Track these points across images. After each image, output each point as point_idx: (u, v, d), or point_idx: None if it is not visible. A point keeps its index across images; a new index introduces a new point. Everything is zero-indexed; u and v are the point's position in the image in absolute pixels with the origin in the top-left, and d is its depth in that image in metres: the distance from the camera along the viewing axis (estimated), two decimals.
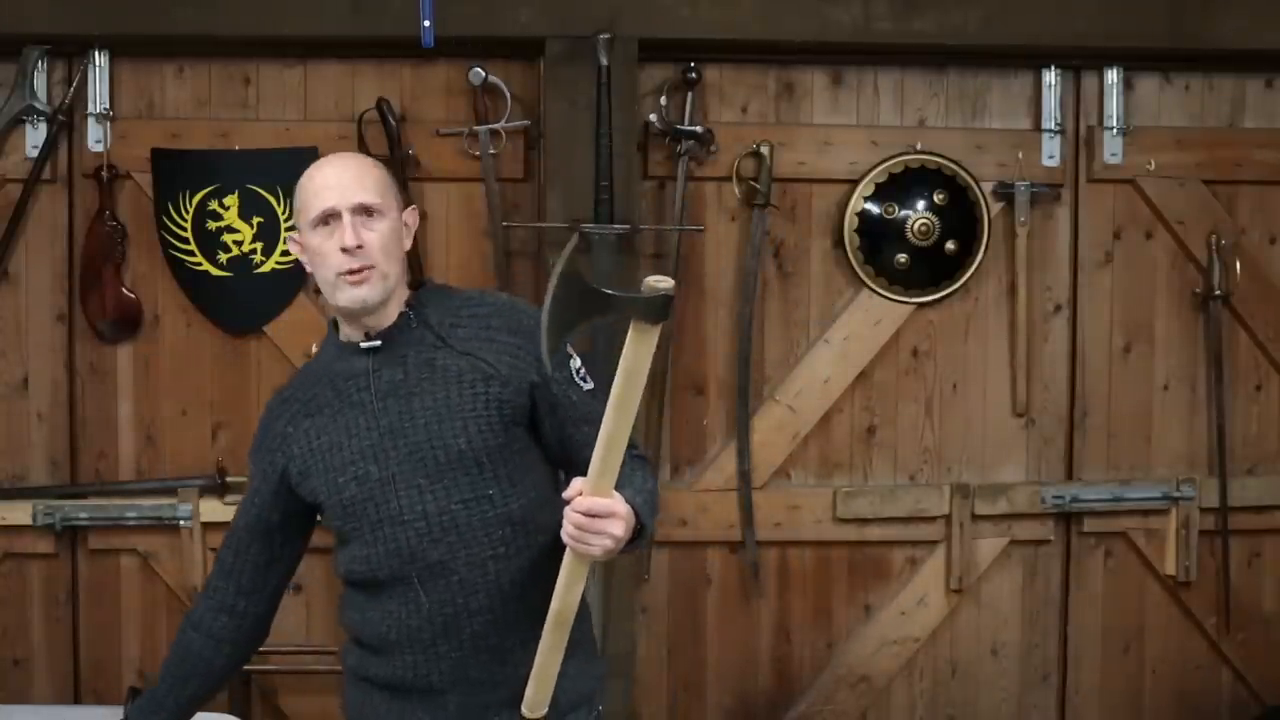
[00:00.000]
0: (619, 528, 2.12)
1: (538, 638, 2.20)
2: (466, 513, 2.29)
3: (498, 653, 2.31)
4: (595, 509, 2.10)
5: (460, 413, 2.29)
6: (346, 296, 2.31)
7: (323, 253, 2.32)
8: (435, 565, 2.29)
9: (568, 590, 2.17)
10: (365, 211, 2.31)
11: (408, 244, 2.39)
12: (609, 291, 2.02)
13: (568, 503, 2.11)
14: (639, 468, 2.33)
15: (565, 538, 2.12)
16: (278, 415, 2.43)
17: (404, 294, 2.38)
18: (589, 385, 2.33)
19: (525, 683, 2.24)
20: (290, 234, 2.44)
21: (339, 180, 2.34)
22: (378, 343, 2.34)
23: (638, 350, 2.00)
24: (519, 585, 2.30)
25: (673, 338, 3.99)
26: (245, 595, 2.48)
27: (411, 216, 2.42)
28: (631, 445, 2.35)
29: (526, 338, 2.32)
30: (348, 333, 2.38)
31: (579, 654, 2.36)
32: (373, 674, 2.39)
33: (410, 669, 2.33)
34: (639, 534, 2.20)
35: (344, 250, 2.29)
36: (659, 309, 1.98)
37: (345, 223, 2.30)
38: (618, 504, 2.13)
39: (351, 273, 2.30)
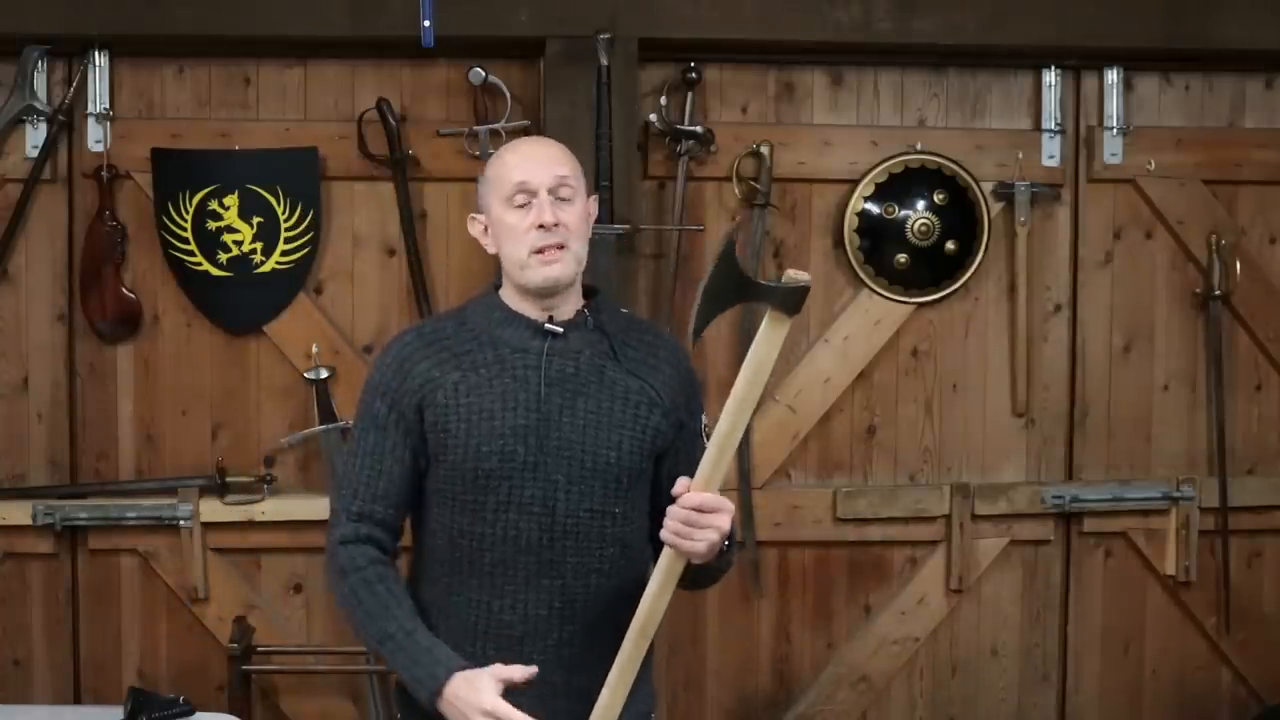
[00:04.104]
0: (726, 522, 2.16)
1: (615, 655, 2.22)
2: (590, 522, 2.29)
3: (577, 663, 2.31)
4: (706, 504, 2.14)
5: (619, 428, 2.30)
6: (539, 275, 2.30)
7: (516, 230, 2.31)
8: (546, 564, 2.29)
9: (657, 597, 2.19)
10: (561, 190, 2.31)
11: (588, 233, 2.39)
12: (756, 280, 2.18)
13: (674, 500, 2.14)
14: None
15: (667, 536, 2.15)
16: (421, 356, 2.35)
17: (580, 292, 2.39)
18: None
19: (596, 694, 2.24)
20: (474, 215, 2.42)
21: (538, 157, 2.35)
22: (560, 329, 2.33)
23: (769, 341, 2.11)
24: (612, 604, 2.30)
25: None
26: (398, 540, 2.39)
27: (593, 206, 2.42)
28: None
29: (684, 377, 2.39)
30: (524, 307, 2.35)
31: (647, 676, 2.38)
32: None
33: (488, 662, 2.28)
34: (724, 551, 2.24)
35: (540, 227, 2.29)
36: (797, 299, 2.12)
37: (542, 200, 2.30)
38: (725, 500, 2.17)
39: (545, 250, 2.29)
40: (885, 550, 4.14)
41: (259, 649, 3.81)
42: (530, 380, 2.30)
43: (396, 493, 2.36)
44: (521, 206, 2.31)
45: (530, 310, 2.34)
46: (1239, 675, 4.24)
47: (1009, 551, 4.15)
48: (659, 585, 2.19)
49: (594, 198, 2.44)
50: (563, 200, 2.32)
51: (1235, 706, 4.25)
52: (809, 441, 4.10)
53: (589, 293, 2.43)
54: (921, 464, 4.14)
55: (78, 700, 3.94)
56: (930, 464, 4.14)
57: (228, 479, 3.88)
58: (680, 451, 2.38)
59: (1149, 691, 4.23)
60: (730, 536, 2.24)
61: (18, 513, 3.82)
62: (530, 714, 2.22)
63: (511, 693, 2.27)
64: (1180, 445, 4.20)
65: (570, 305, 2.36)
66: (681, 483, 2.17)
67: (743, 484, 4.02)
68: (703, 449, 2.25)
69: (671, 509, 2.15)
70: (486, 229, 2.39)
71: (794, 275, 2.12)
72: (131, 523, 3.86)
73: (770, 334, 2.11)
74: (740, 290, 2.16)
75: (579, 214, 2.34)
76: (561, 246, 2.30)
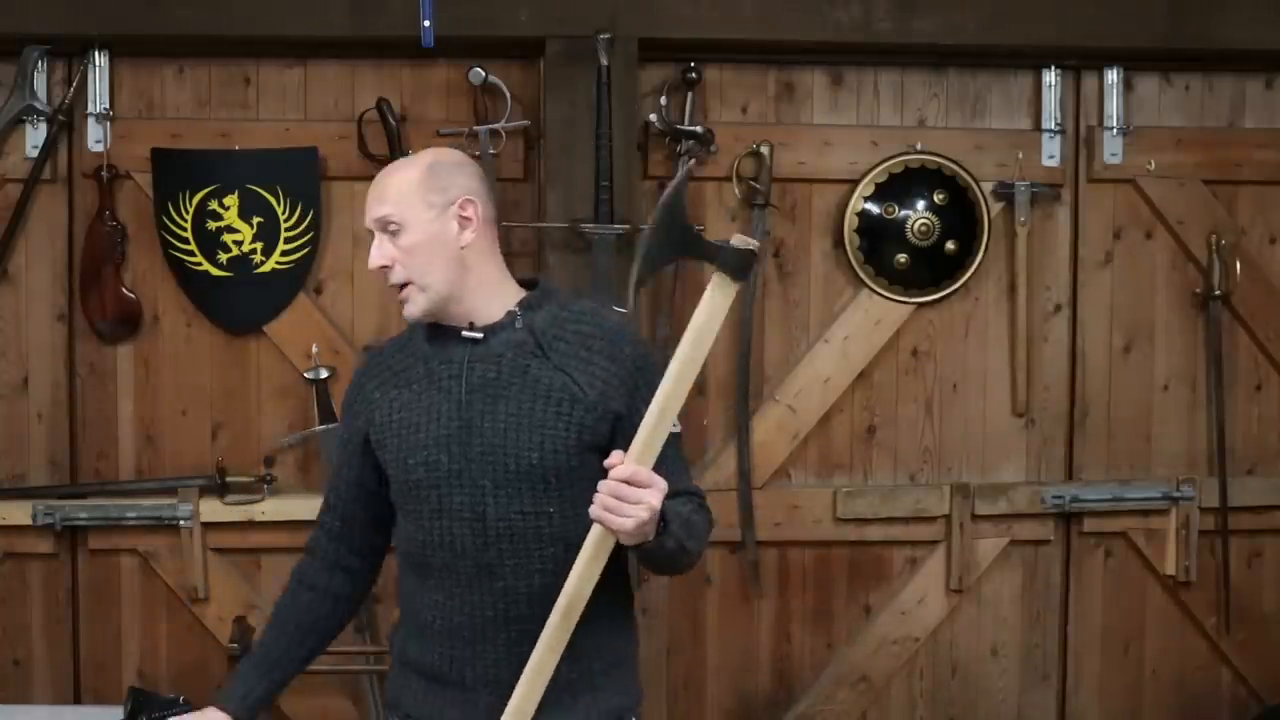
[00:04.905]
0: (658, 500, 2.10)
1: (572, 653, 2.20)
2: (523, 524, 2.28)
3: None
4: (636, 477, 2.09)
5: (541, 427, 2.27)
6: (403, 311, 2.33)
7: None
8: (485, 566, 2.29)
9: (582, 577, 2.15)
10: (387, 228, 2.29)
11: (467, 239, 2.30)
12: (702, 236, 2.12)
13: (605, 473, 2.10)
14: (691, 502, 2.31)
15: (595, 511, 2.10)
16: (370, 376, 2.41)
17: (506, 290, 2.34)
18: (676, 428, 2.23)
19: (556, 692, 2.23)
20: None
21: (370, 197, 2.33)
22: (479, 335, 2.31)
23: (714, 306, 2.06)
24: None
25: (672, 338, 3.98)
26: (357, 555, 2.47)
27: (468, 208, 2.31)
28: (697, 494, 2.36)
29: (623, 367, 2.31)
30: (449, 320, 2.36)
31: (621, 672, 2.38)
32: (411, 658, 2.39)
33: (446, 661, 2.33)
34: (662, 532, 2.17)
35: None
36: (745, 262, 2.06)
37: (376, 240, 2.30)
38: (658, 478, 2.11)
39: (397, 289, 2.31)
40: (885, 550, 4.14)
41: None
42: (453, 390, 2.30)
43: (344, 506, 2.46)
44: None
45: (456, 319, 2.34)
46: (1239, 675, 4.23)
47: (1009, 551, 4.15)
48: (585, 565, 2.15)
49: (462, 200, 2.30)
50: (394, 234, 2.28)
51: (1235, 706, 4.25)
52: (809, 441, 4.10)
53: (531, 284, 2.39)
54: (921, 464, 4.14)
55: (78, 700, 3.94)
56: (930, 464, 4.14)
57: (228, 479, 3.88)
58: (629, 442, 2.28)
59: (1149, 691, 4.23)
60: (665, 519, 2.16)
61: (18, 513, 3.82)
62: (487, 711, 2.26)
63: (465, 690, 2.31)
64: (1180, 445, 4.19)
65: (495, 306, 2.32)
66: (615, 455, 2.12)
67: (743, 484, 4.02)
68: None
69: (602, 483, 2.11)
70: None
71: (742, 239, 2.07)
72: (131, 523, 3.86)
73: (715, 298, 2.06)
74: (685, 243, 2.10)
75: (409, 244, 2.27)
76: (405, 284, 2.29)
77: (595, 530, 2.14)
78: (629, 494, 2.09)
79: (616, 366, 2.30)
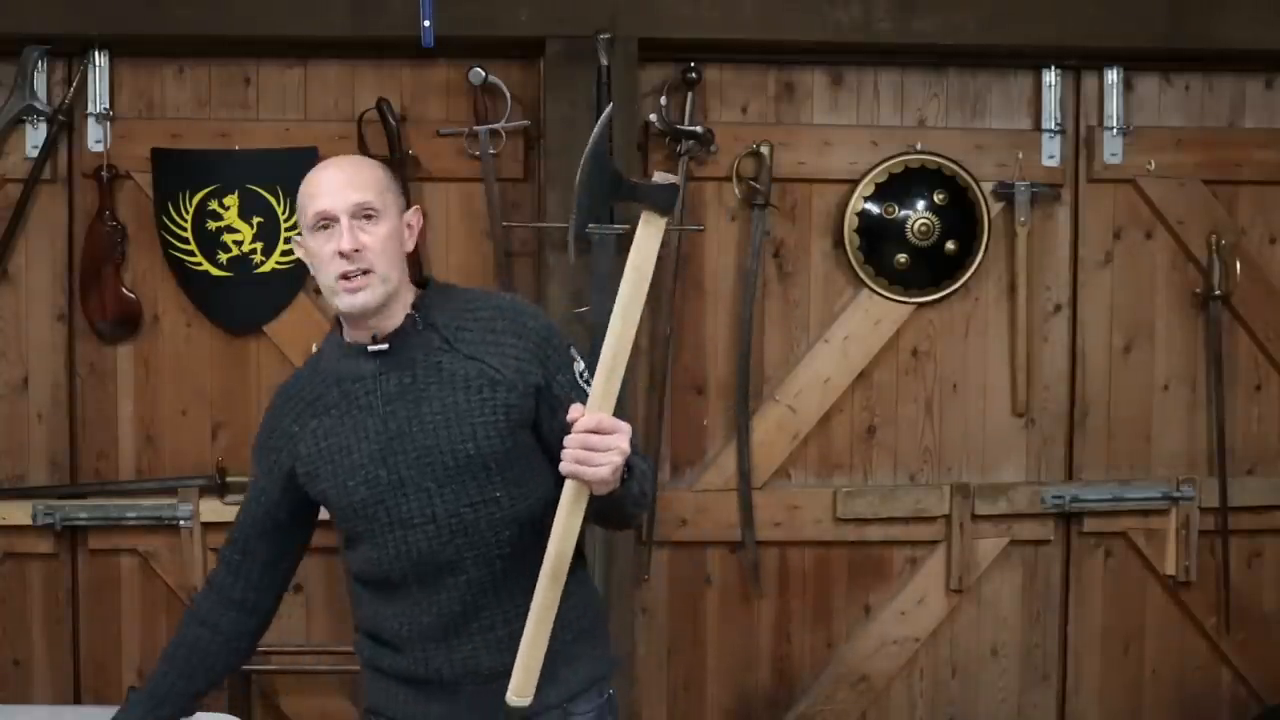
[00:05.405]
0: (625, 442, 2.11)
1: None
2: (474, 515, 2.30)
3: (506, 643, 2.30)
4: (603, 425, 2.09)
5: (468, 418, 2.29)
6: (346, 302, 2.30)
7: (322, 257, 2.31)
8: (445, 565, 2.31)
9: (564, 535, 2.15)
10: (363, 214, 2.30)
11: (410, 245, 2.37)
12: (627, 178, 2.20)
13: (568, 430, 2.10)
14: (634, 451, 2.31)
15: (567, 466, 2.11)
16: (283, 412, 2.42)
17: (409, 295, 2.37)
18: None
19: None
20: (295, 236, 2.42)
21: (335, 182, 2.32)
22: (385, 346, 2.33)
23: (645, 243, 2.11)
24: (526, 578, 2.27)
25: (673, 337, 3.99)
26: (254, 590, 2.48)
27: (415, 217, 2.40)
28: (634, 449, 2.36)
29: (530, 340, 2.34)
30: (353, 334, 2.36)
31: (592, 640, 2.42)
32: (386, 666, 2.40)
33: (422, 664, 2.35)
34: (626, 479, 2.18)
35: (341, 254, 2.28)
36: (667, 196, 2.14)
37: (343, 226, 2.28)
38: (621, 422, 2.12)
39: (348, 277, 2.28)
40: (885, 550, 4.14)
41: (259, 649, 3.79)
42: (373, 404, 2.32)
43: (247, 540, 2.48)
44: (326, 229, 2.31)
45: (360, 334, 2.35)
46: (1239, 675, 4.24)
47: (1009, 551, 4.15)
48: (564, 524, 2.15)
49: (414, 209, 2.40)
50: (367, 220, 2.30)
51: (1235, 706, 4.25)
52: (809, 441, 4.10)
53: (423, 283, 2.41)
54: (921, 464, 4.14)
55: (78, 700, 3.94)
56: (930, 464, 4.14)
57: (228, 479, 3.88)
58: (559, 409, 2.29)
59: (1149, 691, 4.23)
60: (630, 465, 2.17)
61: (18, 513, 3.83)
62: (470, 702, 2.29)
63: (446, 686, 2.32)
64: (1180, 445, 4.19)
65: (400, 313, 2.34)
66: (575, 408, 2.13)
67: (743, 484, 4.02)
68: (583, 395, 2.22)
69: (568, 438, 2.11)
70: (306, 251, 2.39)
71: (663, 175, 2.17)
72: (131, 523, 3.87)
73: (646, 235, 2.11)
74: (613, 188, 2.18)
75: (384, 234, 2.30)
76: (367, 271, 2.28)
77: (569, 486, 2.14)
78: (598, 443, 2.09)
79: (524, 341, 2.33)
